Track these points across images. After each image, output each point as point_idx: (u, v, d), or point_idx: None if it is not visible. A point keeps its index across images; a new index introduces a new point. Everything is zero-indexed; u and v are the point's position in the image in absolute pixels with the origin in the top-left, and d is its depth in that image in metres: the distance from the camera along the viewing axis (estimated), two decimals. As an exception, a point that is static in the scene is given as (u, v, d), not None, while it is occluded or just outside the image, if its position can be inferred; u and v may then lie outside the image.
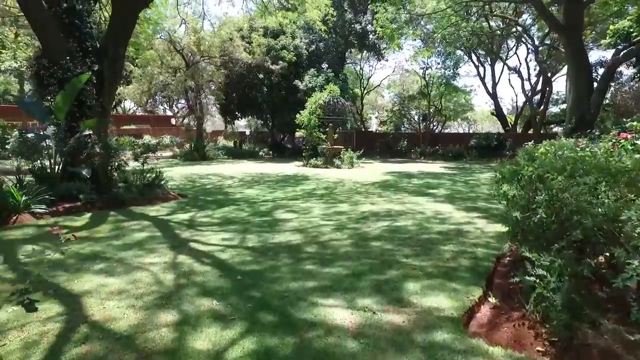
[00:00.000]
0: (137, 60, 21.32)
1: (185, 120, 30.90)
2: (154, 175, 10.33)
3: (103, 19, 10.58)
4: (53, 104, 7.92)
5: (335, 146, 19.63)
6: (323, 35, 25.60)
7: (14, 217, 7.07)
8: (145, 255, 5.23)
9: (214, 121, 39.31)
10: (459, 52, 28.62)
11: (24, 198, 7.37)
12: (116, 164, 10.23)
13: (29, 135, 8.31)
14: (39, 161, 8.53)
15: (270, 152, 28.26)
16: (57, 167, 8.49)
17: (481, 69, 32.64)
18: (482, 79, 32.61)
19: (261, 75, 23.94)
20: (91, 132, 8.63)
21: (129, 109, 44.28)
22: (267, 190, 11.20)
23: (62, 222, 7.08)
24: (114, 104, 41.61)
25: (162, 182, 10.44)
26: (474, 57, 31.48)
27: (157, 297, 3.91)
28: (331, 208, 8.56)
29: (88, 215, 7.70)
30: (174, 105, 36.51)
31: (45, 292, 4.04)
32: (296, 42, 24.24)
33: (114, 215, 7.75)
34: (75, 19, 8.77)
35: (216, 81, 23.91)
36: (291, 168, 18.43)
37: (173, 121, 31.94)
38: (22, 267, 4.75)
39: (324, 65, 26.59)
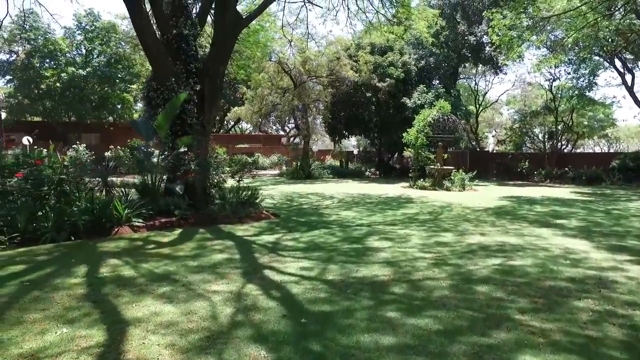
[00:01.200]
0: (249, 83, 22.55)
1: (296, 140, 31.90)
2: (250, 193, 10.29)
3: (206, 41, 11.06)
4: (155, 123, 8.27)
5: (445, 167, 18.00)
6: (433, 50, 24.22)
7: (116, 229, 7.39)
8: (213, 281, 4.79)
9: (323, 140, 40.08)
10: (596, 57, 24.55)
11: (126, 211, 7.70)
12: (214, 180, 10.46)
13: (138, 152, 8.83)
14: (147, 176, 8.99)
15: (377, 172, 27.45)
16: (158, 182, 8.83)
17: (628, 77, 27.56)
18: (630, 89, 27.48)
19: (369, 94, 23.45)
20: (186, 149, 8.83)
21: (246, 129, 47.58)
22: (365, 213, 10.36)
23: (152, 237, 7.18)
24: (233, 123, 45.21)
25: (257, 201, 10.34)
26: (617, 63, 26.77)
27: (203, 337, 3.33)
28: (432, 237, 7.36)
29: (178, 231, 7.74)
30: (285, 125, 38.08)
31: (101, 314, 3.77)
32: (404, 58, 23.29)
33: (202, 233, 7.66)
34: (182, 43, 9.20)
35: (323, 100, 24.10)
36: (396, 189, 17.32)
37: (284, 140, 33.23)
38: (96, 283, 4.65)
39: (435, 82, 25.08)
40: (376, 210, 10.85)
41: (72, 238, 6.78)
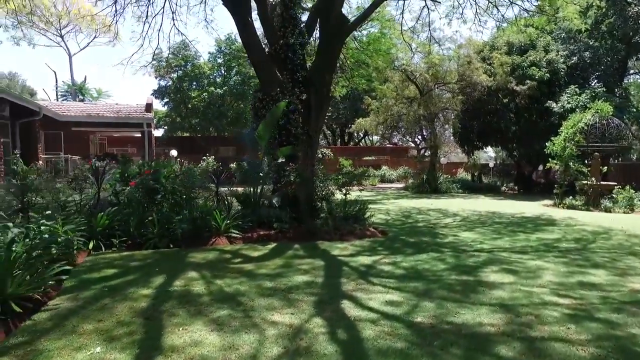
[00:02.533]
0: (373, 93, 21.97)
1: (424, 152, 30.17)
2: (358, 208, 9.56)
3: (314, 50, 10.78)
4: (256, 133, 8.18)
5: (603, 182, 14.59)
6: (590, 42, 20.28)
7: (213, 240, 7.40)
8: (279, 309, 4.15)
9: (457, 153, 37.25)
10: None
11: (225, 222, 7.69)
12: (321, 193, 10.00)
13: (245, 163, 8.89)
14: (250, 188, 8.99)
15: (515, 186, 24.06)
16: (260, 193, 8.72)
17: None
18: None
19: (505, 100, 20.73)
20: (284, 159, 8.52)
21: (376, 142, 47.19)
22: (489, 236, 8.69)
23: (244, 250, 6.95)
24: (362, 135, 45.27)
25: (366, 216, 9.55)
26: None
27: (227, 388, 2.67)
28: (575, 275, 5.56)
29: (272, 245, 7.39)
30: (415, 137, 36.46)
31: (143, 335, 3.43)
32: (550, 56, 19.94)
33: (296, 249, 7.17)
34: (289, 52, 9.05)
35: (452, 108, 22.17)
36: (535, 208, 14.64)
37: (411, 152, 31.76)
38: (162, 297, 4.43)
39: (592, 81, 20.94)
40: (504, 233, 9.04)
41: (171, 246, 6.94)
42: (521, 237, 8.57)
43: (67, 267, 4.67)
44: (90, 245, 6.50)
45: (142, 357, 3.09)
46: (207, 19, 15.34)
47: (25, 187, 6.60)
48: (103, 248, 6.64)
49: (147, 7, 12.30)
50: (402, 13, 13.47)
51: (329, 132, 44.04)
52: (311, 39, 10.60)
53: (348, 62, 16.35)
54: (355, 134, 44.03)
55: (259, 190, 8.73)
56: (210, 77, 25.71)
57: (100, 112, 16.18)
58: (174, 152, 19.96)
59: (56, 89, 36.59)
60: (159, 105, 27.35)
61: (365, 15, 9.86)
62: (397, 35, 15.67)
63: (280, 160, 8.46)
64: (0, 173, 9.85)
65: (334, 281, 5.22)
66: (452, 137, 25.91)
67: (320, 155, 25.49)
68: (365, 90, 20.81)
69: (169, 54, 22.04)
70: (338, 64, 15.79)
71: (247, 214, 8.20)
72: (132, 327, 3.64)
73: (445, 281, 5.22)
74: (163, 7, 12.60)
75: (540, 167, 23.35)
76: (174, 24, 12.75)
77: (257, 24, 10.08)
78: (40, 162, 11.55)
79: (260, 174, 8.45)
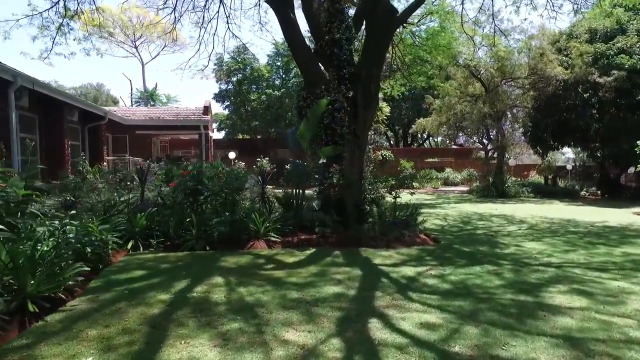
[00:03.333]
0: (435, 92, 20.81)
1: (492, 153, 28.13)
2: (409, 212, 8.87)
3: (361, 45, 10.19)
4: (298, 133, 7.82)
5: None
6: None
7: (251, 243, 7.15)
8: (296, 325, 3.71)
9: (529, 154, 34.39)
10: None
11: (265, 224, 7.41)
12: (370, 196, 9.43)
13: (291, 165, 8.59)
14: (298, 189, 8.66)
15: (598, 191, 21.52)
16: (302, 196, 8.35)
17: None
18: None
19: (586, 94, 18.58)
20: (325, 160, 8.05)
21: (441, 143, 45.18)
22: (560, 248, 7.57)
23: (280, 255, 6.60)
24: (425, 136, 43.54)
25: (418, 222, 8.83)
26: None
27: None
28: (671, 301, 4.49)
29: (311, 251, 6.96)
30: (482, 137, 34.23)
31: (141, 347, 3.17)
32: (645, 42, 17.51)
33: (336, 255, 6.68)
34: (335, 48, 8.60)
35: (522, 106, 20.35)
36: (622, 216, 12.81)
37: (476, 153, 29.76)
38: (178, 303, 4.19)
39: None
40: (579, 245, 7.84)
41: (207, 248, 6.79)
42: (601, 250, 7.36)
43: (86, 267, 4.58)
44: (129, 245, 6.54)
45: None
46: (262, 21, 15.40)
47: (75, 186, 6.79)
48: (141, 248, 6.65)
49: (203, 13, 12.58)
50: (463, 3, 12.43)
51: (391, 133, 42.95)
52: (359, 33, 10.06)
53: (406, 59, 15.55)
54: (419, 135, 42.46)
55: (301, 193, 8.36)
56: (269, 79, 26.08)
57: (160, 115, 16.94)
58: (232, 154, 20.37)
59: (131, 96, 39.52)
60: (219, 109, 28.32)
61: (415, 6, 9.13)
62: (458, 28, 14.58)
63: (321, 161, 8.03)
64: (68, 173, 10.46)
65: (368, 294, 4.68)
66: (522, 137, 23.85)
67: (380, 157, 24.83)
68: (424, 88, 19.74)
69: (229, 58, 22.66)
70: (395, 62, 15.11)
71: (289, 217, 7.87)
72: (134, 336, 3.41)
73: (498, 301, 4.45)
74: (217, 11, 12.81)
75: (631, 170, 20.68)
76: (228, 28, 12.91)
77: (302, 23, 9.76)
78: (105, 163, 12.20)
79: (302, 176, 8.09)
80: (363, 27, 9.80)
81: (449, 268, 5.90)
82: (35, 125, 10.37)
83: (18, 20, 11.10)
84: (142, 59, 35.38)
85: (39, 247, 4.25)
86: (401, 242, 7.70)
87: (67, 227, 4.75)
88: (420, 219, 9.02)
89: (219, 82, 25.42)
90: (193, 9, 12.64)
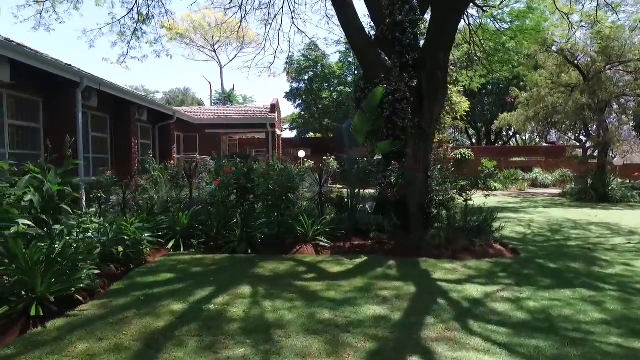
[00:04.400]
0: (522, 83, 18.58)
1: (592, 152, 24.65)
2: (482, 218, 7.65)
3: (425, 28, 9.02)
4: (352, 126, 7.04)
5: None
6: None
7: (297, 248, 6.52)
8: (312, 357, 2.98)
9: None
10: None
11: (315, 227, 6.75)
12: (439, 198, 8.33)
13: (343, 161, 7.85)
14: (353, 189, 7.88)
15: None
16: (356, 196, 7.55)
17: None
18: None
19: None
20: (380, 156, 7.13)
21: (529, 141, 41.09)
22: (687, 268, 5.89)
23: (325, 263, 5.89)
24: (511, 134, 39.89)
25: (492, 229, 7.58)
26: None
27: None
28: None
29: (361, 260, 6.14)
30: (580, 133, 30.30)
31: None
32: None
33: (389, 266, 5.79)
34: (396, 32, 7.67)
35: (633, 94, 17.34)
36: None
37: (578, 152, 26.28)
38: (188, 316, 3.68)
39: None
40: None
41: (249, 251, 6.29)
42: None
43: (94, 270, 4.25)
44: (170, 245, 6.28)
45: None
46: (328, 14, 14.80)
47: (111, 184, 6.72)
48: (182, 248, 6.36)
49: (268, 9, 12.33)
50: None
51: (472, 131, 40.04)
52: (424, 15, 8.96)
53: (486, 47, 13.90)
54: (504, 133, 39.00)
55: (357, 193, 7.56)
56: (341, 76, 25.48)
57: (227, 114, 17.16)
58: (302, 153, 20.11)
59: (210, 98, 41.50)
60: (291, 108, 28.35)
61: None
62: (549, 6, 12.65)
63: (376, 157, 7.15)
64: (136, 170, 10.81)
65: (416, 320, 3.78)
66: (632, 132, 20.46)
67: (459, 156, 22.97)
68: (508, 79, 17.64)
69: (299, 56, 22.43)
70: (473, 50, 13.57)
71: (343, 219, 7.13)
72: (122, 355, 2.93)
73: (597, 345, 3.30)
74: (282, 7, 12.47)
75: None
76: (293, 23, 12.50)
77: (361, 10, 8.93)
78: (172, 161, 12.49)
79: (358, 174, 7.30)
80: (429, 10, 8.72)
81: (527, 290, 4.73)
82: (106, 125, 10.86)
83: (101, 28, 11.78)
84: (220, 62, 36.95)
85: (55, 246, 4.01)
86: (470, 252, 6.56)
87: (90, 225, 4.49)
88: (496, 225, 7.74)
89: (290, 81, 25.47)
90: (259, 6, 12.46)
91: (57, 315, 3.62)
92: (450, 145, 26.75)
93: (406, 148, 7.57)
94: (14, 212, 4.04)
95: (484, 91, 20.87)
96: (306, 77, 25.26)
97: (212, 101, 39.20)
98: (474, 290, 4.69)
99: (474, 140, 40.27)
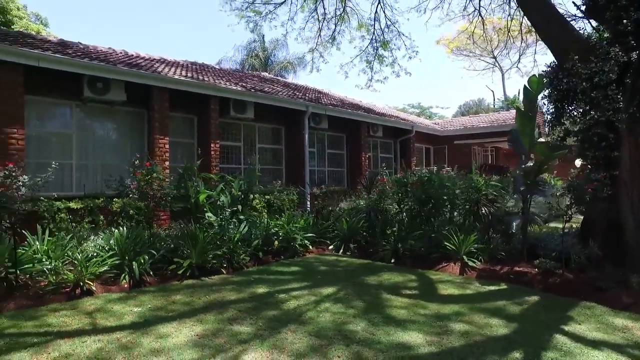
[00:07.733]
0: None
1: None
2: None
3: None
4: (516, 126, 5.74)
5: None
6: None
7: (444, 264, 6.02)
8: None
9: None
10: None
11: (468, 246, 5.98)
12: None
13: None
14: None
15: None
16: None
17: None
18: None
19: None
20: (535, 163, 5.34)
21: None
22: None
23: (444, 283, 5.19)
24: None
25: None
26: None
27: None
28: None
29: (497, 288, 5.00)
30: None
31: None
32: None
33: (521, 303, 4.51)
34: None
35: None
36: None
37: None
38: (274, 298, 4.41)
39: None
40: None
41: (392, 260, 6.35)
42: None
43: (219, 252, 5.73)
44: (331, 247, 7.22)
45: None
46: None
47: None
48: (341, 250, 7.11)
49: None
50: None
51: None
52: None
53: None
54: None
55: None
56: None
57: (474, 123, 15.94)
58: (578, 162, 16.37)
59: (494, 106, 38.72)
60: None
61: None
62: None
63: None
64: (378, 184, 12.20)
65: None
66: None
67: None
68: None
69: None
70: None
71: (504, 239, 5.99)
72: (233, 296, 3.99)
73: None
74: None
75: None
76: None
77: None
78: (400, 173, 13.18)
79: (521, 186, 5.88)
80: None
81: None
82: (343, 143, 12.82)
83: (352, 60, 14.18)
84: (501, 68, 34.40)
85: (210, 232, 5.74)
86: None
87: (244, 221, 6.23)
88: None
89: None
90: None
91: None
92: None
93: (612, 153, 5.53)
94: (208, 208, 6.15)
95: None
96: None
97: (495, 109, 36.97)
98: None
99: None
